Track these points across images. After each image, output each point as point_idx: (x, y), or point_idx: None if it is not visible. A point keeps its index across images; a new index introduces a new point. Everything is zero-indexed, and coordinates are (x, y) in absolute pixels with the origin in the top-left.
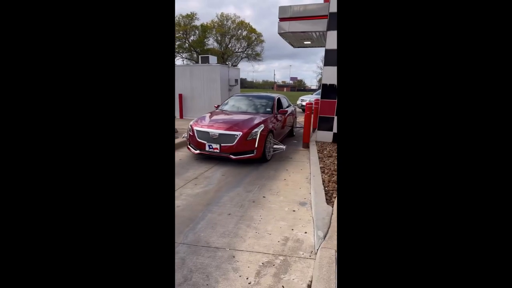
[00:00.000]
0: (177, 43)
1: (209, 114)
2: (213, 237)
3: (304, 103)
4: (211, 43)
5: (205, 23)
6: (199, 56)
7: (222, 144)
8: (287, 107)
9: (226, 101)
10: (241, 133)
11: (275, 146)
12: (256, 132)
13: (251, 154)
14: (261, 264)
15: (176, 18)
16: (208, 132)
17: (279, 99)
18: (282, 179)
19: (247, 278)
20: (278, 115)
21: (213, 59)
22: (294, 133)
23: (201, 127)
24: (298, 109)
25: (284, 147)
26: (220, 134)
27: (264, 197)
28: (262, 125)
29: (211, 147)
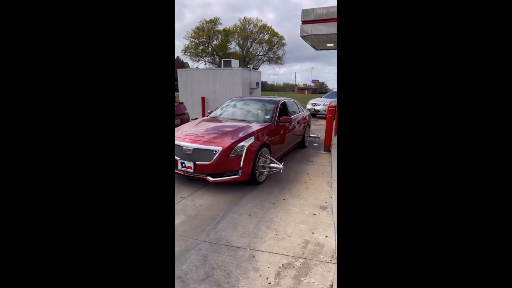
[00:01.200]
0: (200, 47)
1: (197, 121)
2: (233, 237)
3: (316, 108)
4: (233, 47)
5: (228, 28)
6: (222, 60)
7: (197, 162)
8: (296, 113)
9: (220, 106)
10: (221, 148)
11: (271, 165)
12: (242, 146)
13: (234, 175)
14: (281, 266)
15: (200, 24)
16: (181, 146)
17: (284, 104)
18: (302, 182)
19: (267, 278)
20: (281, 124)
21: (235, 62)
22: (306, 144)
23: (176, 138)
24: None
25: (281, 166)
26: (194, 149)
27: (284, 199)
28: (253, 137)
29: (183, 165)
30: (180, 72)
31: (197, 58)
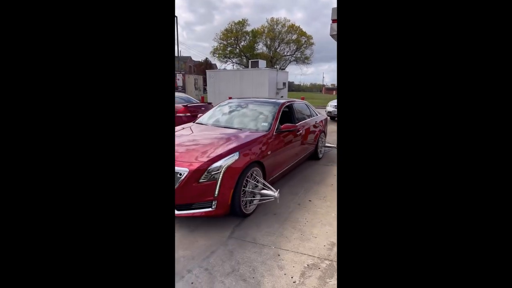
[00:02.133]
0: (228, 49)
1: (177, 128)
2: (258, 234)
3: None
4: (261, 47)
5: (256, 29)
6: (249, 60)
7: None
8: (307, 118)
9: (212, 109)
10: (187, 169)
11: (263, 192)
12: (219, 168)
13: (206, 208)
14: (306, 266)
15: (229, 25)
16: None
17: (289, 107)
18: (329, 184)
19: (292, 277)
20: (282, 133)
21: (262, 63)
22: (321, 155)
23: None
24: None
25: (277, 195)
26: None
27: (310, 200)
28: (236, 153)
29: None
30: (209, 73)
31: (225, 59)
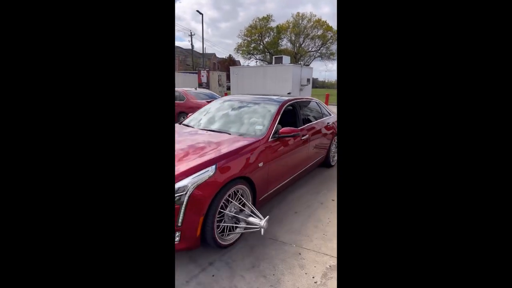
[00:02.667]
0: (252, 45)
1: None
2: (279, 232)
3: None
4: (285, 43)
5: (281, 24)
6: (273, 56)
7: None
8: (317, 119)
9: (203, 108)
10: None
11: (250, 219)
12: (184, 188)
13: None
14: (328, 267)
15: (253, 22)
16: None
17: (293, 105)
18: None
19: (313, 277)
20: (280, 139)
21: (286, 59)
22: (333, 163)
23: None
24: None
25: (263, 224)
26: None
27: (333, 200)
28: (212, 167)
29: None
30: (232, 70)
31: (249, 56)
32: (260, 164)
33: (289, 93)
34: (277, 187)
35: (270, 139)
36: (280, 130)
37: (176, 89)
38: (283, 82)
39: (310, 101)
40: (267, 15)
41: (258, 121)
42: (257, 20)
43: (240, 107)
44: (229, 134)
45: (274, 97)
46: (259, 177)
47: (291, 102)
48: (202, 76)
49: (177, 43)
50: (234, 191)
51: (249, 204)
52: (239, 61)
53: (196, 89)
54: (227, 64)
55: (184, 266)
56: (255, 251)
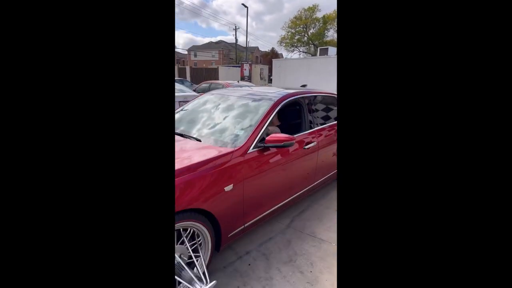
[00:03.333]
0: (296, 37)
1: None
2: (319, 228)
3: None
4: (331, 34)
5: (327, 14)
6: (318, 48)
7: None
8: (329, 120)
9: (186, 105)
10: None
11: (187, 281)
12: None
13: None
14: None
15: (298, 12)
16: None
17: (297, 103)
18: None
19: None
20: (264, 152)
21: (332, 50)
22: None
23: None
24: None
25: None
26: None
27: None
28: None
29: None
30: (275, 62)
31: (292, 48)
32: (228, 188)
33: (304, 86)
34: (260, 216)
35: (251, 150)
36: (267, 138)
37: (219, 81)
38: (328, 75)
39: (327, 97)
40: (313, 5)
41: (243, 123)
42: (302, 10)
43: (227, 105)
44: (199, 140)
45: (273, 92)
46: (225, 206)
47: (293, 99)
48: (245, 69)
49: (221, 38)
50: (181, 229)
51: (202, 262)
52: (281, 54)
53: (238, 82)
54: (270, 57)
55: (221, 252)
56: (293, 246)
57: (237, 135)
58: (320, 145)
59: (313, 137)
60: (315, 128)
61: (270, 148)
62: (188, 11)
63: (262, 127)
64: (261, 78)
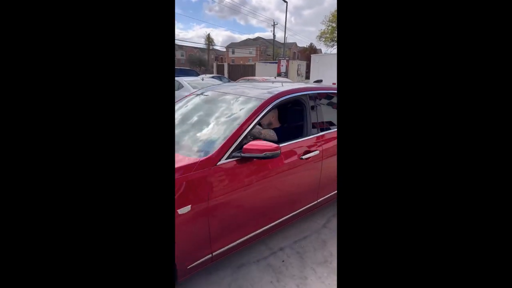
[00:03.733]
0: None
1: None
2: None
3: None
4: None
5: None
6: None
7: None
8: (333, 126)
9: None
10: None
11: None
12: None
13: None
14: None
15: None
16: None
17: (298, 103)
18: None
19: None
20: (245, 163)
21: None
22: None
23: None
24: None
25: None
26: None
27: None
28: None
29: None
30: (313, 58)
31: (332, 43)
32: (184, 210)
33: (318, 81)
34: (235, 243)
35: (223, 161)
36: (245, 146)
37: (255, 77)
38: None
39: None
40: None
41: (220, 127)
42: None
43: (214, 103)
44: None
45: (269, 89)
46: (179, 231)
47: (290, 97)
48: (282, 65)
49: (259, 34)
50: None
51: None
52: (320, 50)
53: (275, 78)
54: (308, 53)
55: (255, 246)
56: (328, 246)
57: (212, 142)
58: (325, 154)
59: (316, 145)
60: (320, 133)
61: (245, 160)
62: (227, 9)
63: (243, 132)
64: (298, 74)
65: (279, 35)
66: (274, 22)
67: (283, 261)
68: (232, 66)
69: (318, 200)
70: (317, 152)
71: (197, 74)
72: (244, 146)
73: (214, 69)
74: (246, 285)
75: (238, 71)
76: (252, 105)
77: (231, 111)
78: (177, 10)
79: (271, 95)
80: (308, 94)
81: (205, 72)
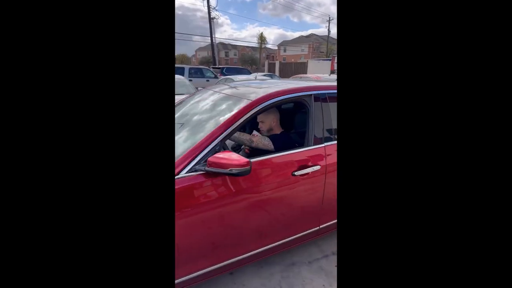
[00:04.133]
0: None
1: None
2: None
3: None
4: None
5: None
6: None
7: None
8: None
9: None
10: None
11: None
12: None
13: None
14: None
15: None
16: None
17: (302, 106)
18: None
19: None
20: (217, 180)
21: None
22: None
23: None
24: None
25: None
26: None
27: None
28: None
29: None
30: None
31: None
32: None
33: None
34: (199, 273)
35: (183, 174)
36: (208, 159)
37: (308, 75)
38: None
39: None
40: None
41: (188, 135)
42: None
43: (197, 104)
44: None
45: (271, 86)
46: None
47: (283, 98)
48: (335, 62)
49: (312, 31)
50: None
51: None
52: None
53: (329, 75)
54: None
55: (307, 248)
56: None
57: (176, 149)
58: (330, 169)
59: (317, 158)
60: (325, 144)
61: (211, 175)
62: (281, 7)
63: (214, 140)
64: None
65: (334, 31)
66: (329, 17)
67: (335, 266)
68: (283, 64)
69: (321, 227)
70: (317, 167)
71: (249, 73)
72: (208, 159)
73: (266, 68)
74: (297, 284)
75: (290, 69)
76: (234, 108)
77: (211, 116)
78: (231, 11)
79: (258, 97)
80: (313, 94)
81: (256, 71)
